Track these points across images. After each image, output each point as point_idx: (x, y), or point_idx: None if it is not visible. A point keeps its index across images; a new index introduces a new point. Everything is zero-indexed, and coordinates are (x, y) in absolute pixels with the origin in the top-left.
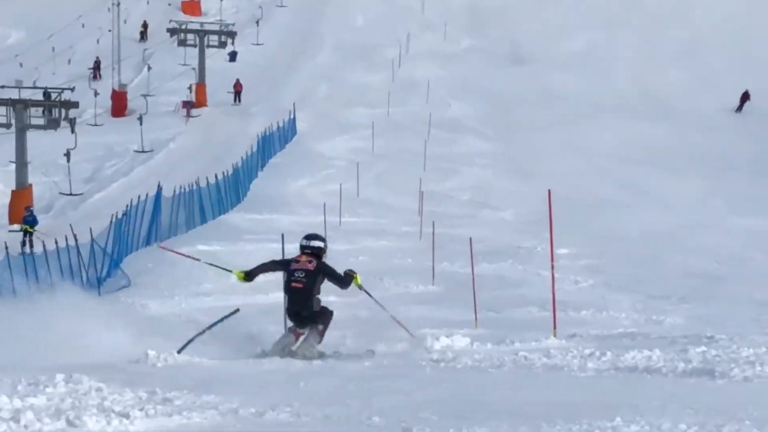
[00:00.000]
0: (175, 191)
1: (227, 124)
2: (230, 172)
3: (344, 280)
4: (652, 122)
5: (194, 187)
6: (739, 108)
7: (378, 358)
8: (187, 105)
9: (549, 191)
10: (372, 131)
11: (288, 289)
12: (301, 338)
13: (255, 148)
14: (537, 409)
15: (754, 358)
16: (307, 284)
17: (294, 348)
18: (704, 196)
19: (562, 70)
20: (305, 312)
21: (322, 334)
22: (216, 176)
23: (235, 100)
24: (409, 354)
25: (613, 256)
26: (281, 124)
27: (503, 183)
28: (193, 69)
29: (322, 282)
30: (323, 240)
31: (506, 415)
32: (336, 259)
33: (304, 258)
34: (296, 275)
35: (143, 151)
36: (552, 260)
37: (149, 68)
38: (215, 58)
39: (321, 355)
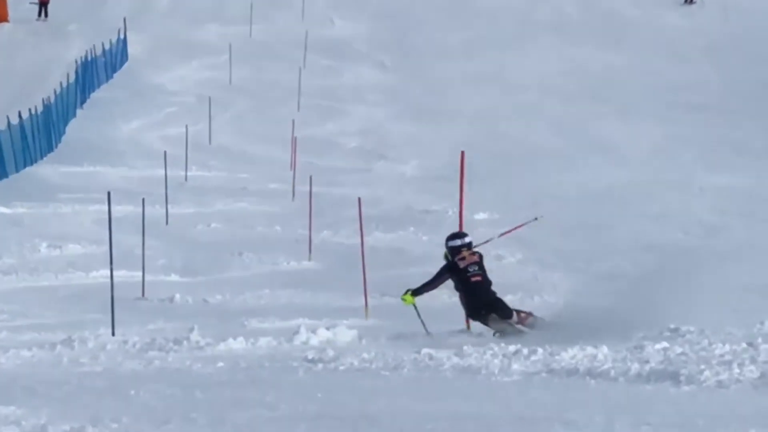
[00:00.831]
0: None
1: (35, 46)
2: (39, 110)
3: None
4: (600, 45)
5: None
6: None
7: (234, 358)
8: None
9: (462, 154)
10: (229, 57)
11: (467, 285)
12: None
13: (72, 79)
14: (443, 425)
15: (731, 357)
16: (483, 275)
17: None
18: (667, 144)
19: None
20: (492, 297)
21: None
22: (20, 115)
23: (39, 14)
24: (276, 352)
25: (547, 224)
26: (108, 47)
27: (403, 126)
28: None
29: None
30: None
31: None
32: (179, 226)
33: (466, 253)
34: (471, 269)
35: None
36: (461, 226)
37: None
38: None
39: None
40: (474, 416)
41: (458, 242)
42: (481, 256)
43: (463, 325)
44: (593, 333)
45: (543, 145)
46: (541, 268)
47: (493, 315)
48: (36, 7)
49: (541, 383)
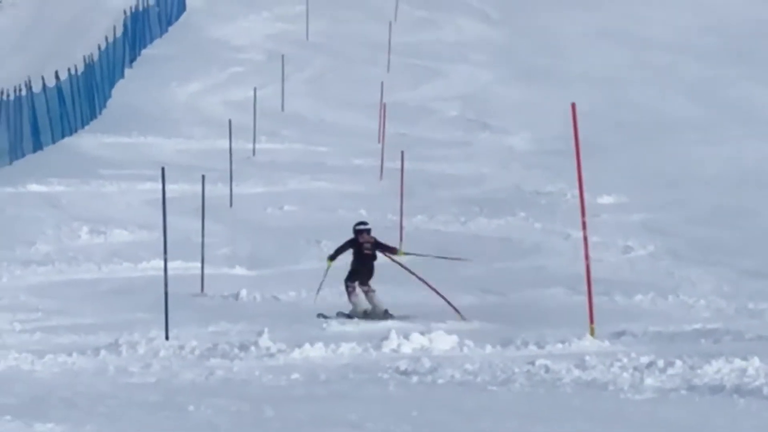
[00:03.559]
0: None
1: None
2: (80, 69)
3: (393, 250)
4: None
5: (22, 92)
6: None
7: (312, 367)
8: None
9: (573, 106)
10: (306, 7)
11: (360, 256)
12: (371, 297)
13: (120, 32)
14: None
15: None
16: (373, 253)
17: (369, 309)
18: None
19: None
20: (372, 272)
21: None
22: (57, 75)
23: None
24: (361, 361)
25: (684, 208)
26: None
27: (511, 91)
28: None
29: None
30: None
31: None
32: (245, 208)
33: (366, 236)
34: (366, 246)
35: None
36: (583, 215)
37: None
38: None
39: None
40: None
41: (360, 227)
42: (377, 242)
43: (586, 332)
44: (742, 342)
45: (678, 115)
46: (677, 263)
47: (363, 285)
48: None
49: (680, 402)
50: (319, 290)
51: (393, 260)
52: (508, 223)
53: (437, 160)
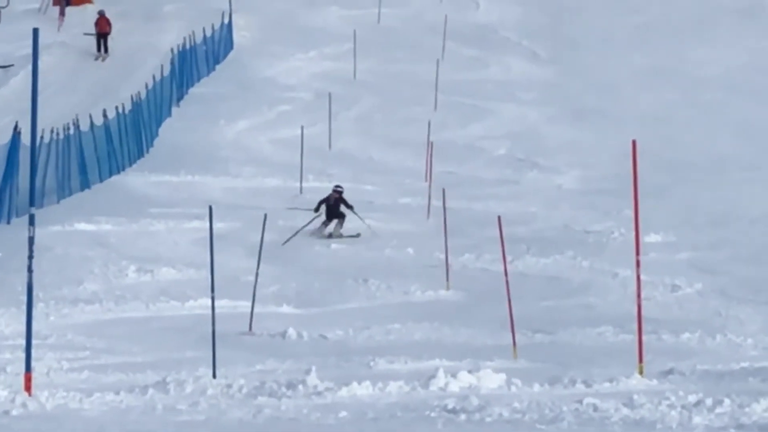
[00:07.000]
0: (42, 137)
1: (123, 31)
2: (128, 108)
3: (350, 207)
4: None
5: (71, 131)
6: None
7: (360, 406)
8: (62, 1)
9: (634, 143)
10: (353, 46)
11: (328, 206)
12: (335, 228)
13: (167, 71)
14: None
15: None
16: (336, 204)
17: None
18: None
19: None
20: (335, 215)
21: (342, 226)
22: (105, 114)
23: (99, 49)
24: (409, 399)
25: (732, 247)
26: (209, 33)
27: (560, 130)
28: None
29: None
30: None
31: None
32: (293, 247)
33: (334, 194)
34: (331, 199)
35: None
36: (637, 253)
37: None
38: None
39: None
40: None
41: (336, 188)
42: (341, 198)
43: (634, 371)
44: None
45: (728, 154)
46: (725, 301)
47: (334, 221)
48: (93, 40)
49: None
50: (298, 231)
51: (352, 211)
52: (556, 262)
53: (485, 199)
